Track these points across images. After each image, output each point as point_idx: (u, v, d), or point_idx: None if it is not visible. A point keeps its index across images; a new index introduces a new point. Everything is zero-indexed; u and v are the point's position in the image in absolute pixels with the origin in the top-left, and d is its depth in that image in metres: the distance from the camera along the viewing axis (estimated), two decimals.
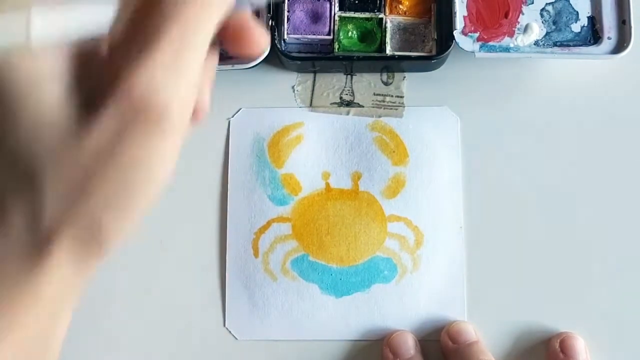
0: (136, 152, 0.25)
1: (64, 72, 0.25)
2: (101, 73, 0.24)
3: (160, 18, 0.23)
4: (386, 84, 0.43)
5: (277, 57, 0.42)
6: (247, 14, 0.27)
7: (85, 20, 0.25)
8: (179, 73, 0.24)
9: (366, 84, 0.43)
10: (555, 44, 0.41)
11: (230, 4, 0.25)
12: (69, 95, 0.25)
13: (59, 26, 0.25)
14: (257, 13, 0.43)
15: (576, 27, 0.41)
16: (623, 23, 0.41)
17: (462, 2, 0.41)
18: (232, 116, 0.43)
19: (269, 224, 0.41)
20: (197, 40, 0.24)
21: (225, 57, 0.43)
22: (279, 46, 0.41)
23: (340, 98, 0.43)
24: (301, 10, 0.42)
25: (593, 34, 0.41)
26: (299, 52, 0.43)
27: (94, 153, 0.25)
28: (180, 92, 0.24)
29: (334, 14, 0.42)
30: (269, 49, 0.29)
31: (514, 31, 0.41)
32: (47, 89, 0.25)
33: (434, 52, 0.42)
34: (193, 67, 0.24)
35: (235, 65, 0.41)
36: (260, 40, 0.27)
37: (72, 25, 0.25)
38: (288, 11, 0.42)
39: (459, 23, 0.41)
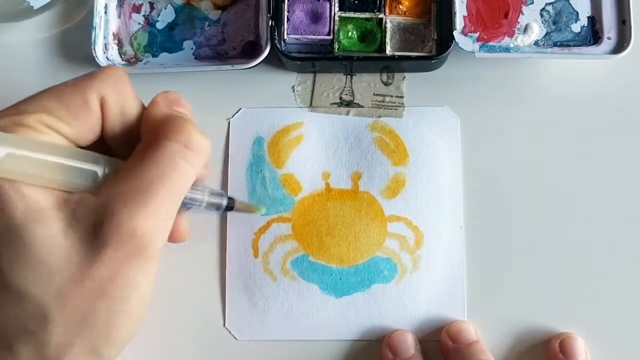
0: (130, 280, 0.29)
1: (60, 208, 0.28)
2: (95, 211, 0.28)
3: (155, 174, 0.29)
4: (386, 84, 0.43)
5: (277, 57, 0.42)
6: (182, 216, 0.34)
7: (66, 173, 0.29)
8: (168, 217, 0.29)
9: (366, 84, 0.43)
10: (555, 44, 0.41)
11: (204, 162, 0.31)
12: (69, 229, 0.28)
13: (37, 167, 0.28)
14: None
15: (576, 27, 0.41)
16: (623, 23, 0.41)
17: (462, 2, 0.41)
18: (232, 116, 0.43)
19: (269, 224, 0.41)
20: (182, 193, 0.30)
21: (224, 58, 0.43)
22: (279, 46, 0.41)
23: (340, 98, 0.43)
24: (301, 11, 0.42)
25: (593, 34, 0.41)
26: (299, 52, 0.43)
27: (98, 287, 0.28)
28: (165, 230, 0.29)
29: (334, 14, 0.42)
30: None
31: (514, 31, 0.41)
32: (48, 223, 0.28)
33: (434, 52, 0.42)
34: (175, 211, 0.30)
35: (235, 66, 0.41)
36: (183, 237, 0.36)
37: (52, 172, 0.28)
38: (288, 11, 0.42)
39: (459, 23, 0.41)
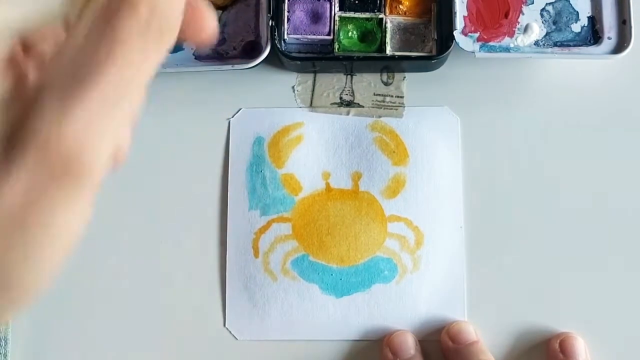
0: (51, 218, 0.19)
1: None
2: (29, 101, 0.19)
3: (106, 44, 0.17)
4: (386, 84, 0.43)
5: (277, 57, 0.42)
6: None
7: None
8: (112, 121, 0.18)
9: (366, 84, 0.43)
10: (555, 44, 0.41)
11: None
12: None
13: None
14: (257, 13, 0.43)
15: (576, 27, 0.41)
16: (623, 23, 0.41)
17: (462, 2, 0.41)
18: (232, 116, 0.43)
19: (269, 224, 0.41)
20: (142, 78, 0.19)
21: (224, 58, 0.43)
22: (279, 46, 0.41)
23: (340, 98, 0.43)
24: (301, 10, 0.42)
25: (593, 34, 0.41)
26: (299, 52, 0.43)
27: (6, 216, 0.19)
28: (108, 146, 0.19)
29: (334, 14, 0.42)
30: (213, 39, 0.22)
31: (514, 31, 0.41)
32: None
33: (434, 52, 0.42)
34: (127, 112, 0.19)
35: (235, 66, 0.41)
36: (207, 24, 0.21)
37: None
38: (288, 11, 0.42)
39: (459, 23, 0.41)
